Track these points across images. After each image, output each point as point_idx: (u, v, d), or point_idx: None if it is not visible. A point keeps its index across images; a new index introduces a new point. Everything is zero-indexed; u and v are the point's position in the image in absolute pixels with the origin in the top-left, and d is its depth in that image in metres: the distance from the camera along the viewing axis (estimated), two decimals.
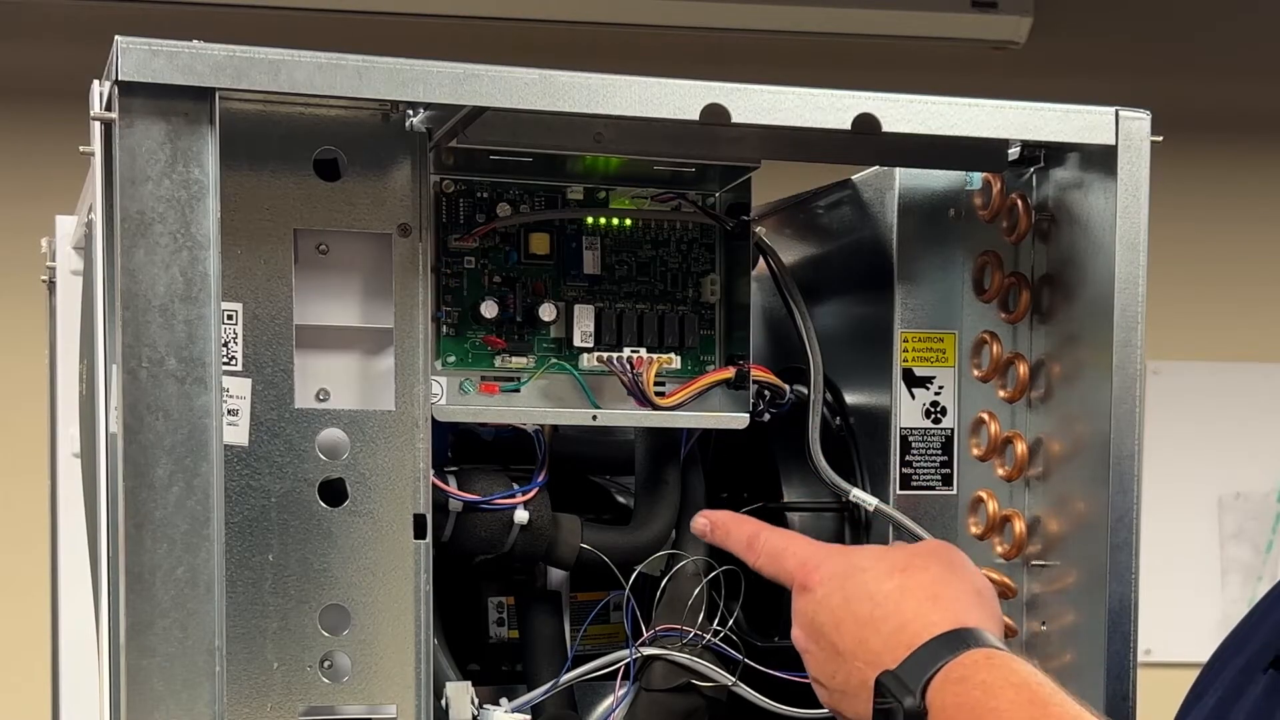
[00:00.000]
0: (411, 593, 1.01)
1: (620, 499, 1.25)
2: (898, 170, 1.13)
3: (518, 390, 1.09)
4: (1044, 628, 1.13)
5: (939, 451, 1.15)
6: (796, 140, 1.05)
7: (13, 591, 2.53)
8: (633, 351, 1.09)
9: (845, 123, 1.00)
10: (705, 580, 1.15)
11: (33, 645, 1.84)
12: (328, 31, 2.84)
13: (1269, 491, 3.26)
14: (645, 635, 1.14)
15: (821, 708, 1.05)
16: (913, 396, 1.14)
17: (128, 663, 0.90)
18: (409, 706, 1.01)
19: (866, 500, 1.13)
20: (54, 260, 1.51)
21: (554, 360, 1.09)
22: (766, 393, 1.14)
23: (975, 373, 1.15)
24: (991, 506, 1.14)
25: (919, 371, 1.14)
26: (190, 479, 0.90)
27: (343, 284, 1.02)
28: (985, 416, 1.14)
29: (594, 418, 1.09)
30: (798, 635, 1.03)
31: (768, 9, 2.90)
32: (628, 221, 1.12)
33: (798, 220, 1.27)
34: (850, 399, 1.19)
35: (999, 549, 1.14)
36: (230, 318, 0.97)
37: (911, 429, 1.14)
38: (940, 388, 1.14)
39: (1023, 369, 1.13)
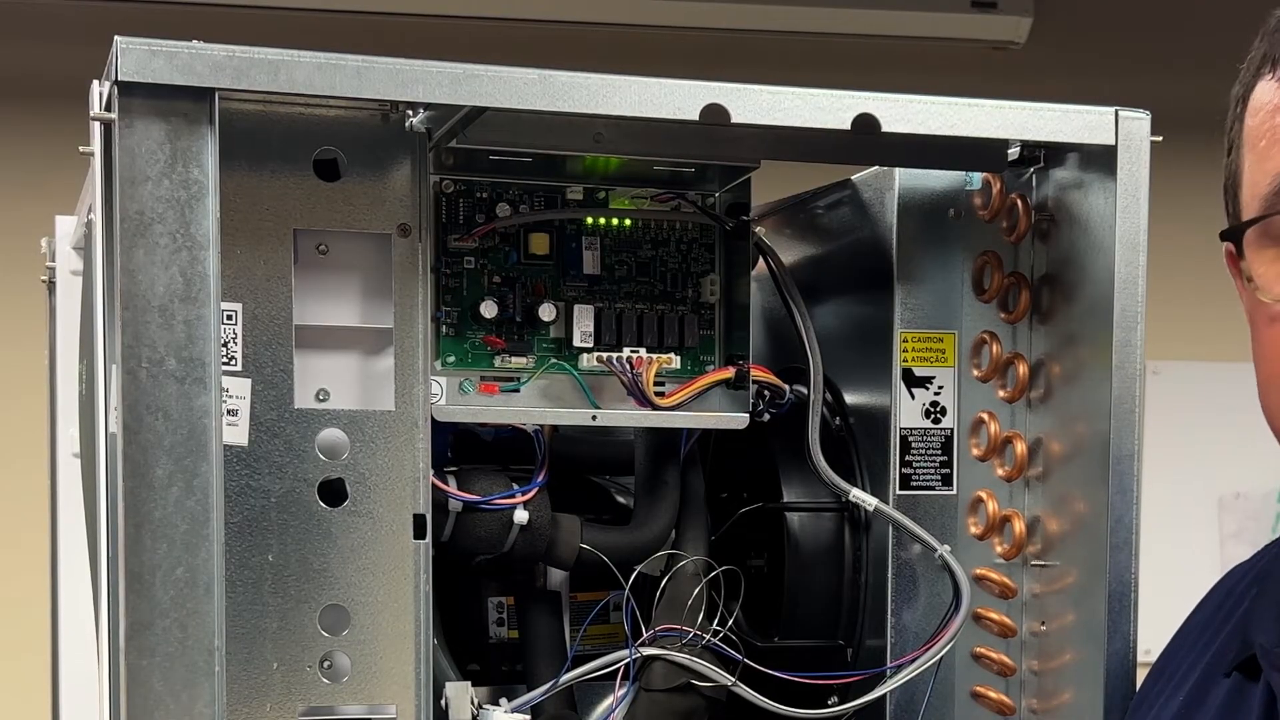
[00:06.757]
0: (411, 593, 1.01)
1: (620, 499, 1.25)
2: (898, 170, 1.13)
3: (517, 390, 1.09)
4: (1044, 628, 1.13)
5: (939, 451, 1.15)
6: (796, 140, 1.05)
7: (13, 591, 2.53)
8: (632, 351, 1.09)
9: (845, 123, 1.00)
10: (705, 580, 1.15)
11: (33, 645, 1.83)
12: (328, 31, 2.84)
13: (1269, 491, 3.26)
14: (645, 635, 1.13)
15: (821, 707, 1.04)
16: (912, 396, 1.14)
17: (128, 663, 0.90)
18: (409, 706, 1.01)
19: (866, 500, 1.13)
20: (54, 260, 1.51)
21: (554, 360, 1.09)
22: (766, 393, 1.14)
23: (975, 373, 1.15)
24: (991, 506, 1.14)
25: (919, 371, 1.14)
26: (190, 479, 0.90)
27: (342, 284, 1.02)
28: (985, 416, 1.14)
29: (594, 418, 1.09)
30: None
31: (768, 9, 2.90)
32: (627, 221, 1.12)
33: (798, 220, 1.27)
34: (850, 399, 1.19)
35: (999, 549, 1.14)
36: (230, 318, 0.97)
37: (911, 429, 1.14)
38: (940, 388, 1.14)
39: (1022, 369, 1.13)
